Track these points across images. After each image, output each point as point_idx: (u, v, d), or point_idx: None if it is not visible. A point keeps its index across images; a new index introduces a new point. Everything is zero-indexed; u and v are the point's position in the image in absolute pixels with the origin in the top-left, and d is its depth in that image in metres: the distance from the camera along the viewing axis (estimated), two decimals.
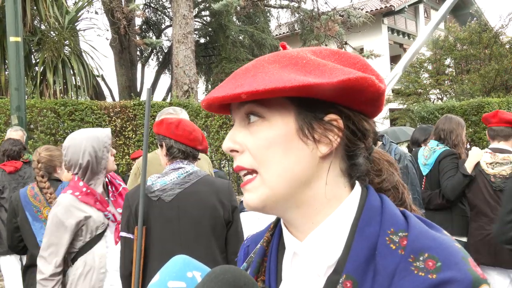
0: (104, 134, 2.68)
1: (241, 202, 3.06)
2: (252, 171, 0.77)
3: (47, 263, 2.53)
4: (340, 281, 0.71)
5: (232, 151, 0.79)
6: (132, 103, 8.94)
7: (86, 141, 2.63)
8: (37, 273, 2.54)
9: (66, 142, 2.68)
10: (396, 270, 0.68)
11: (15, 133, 5.28)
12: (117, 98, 15.75)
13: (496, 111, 3.67)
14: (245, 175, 0.78)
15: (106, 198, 2.75)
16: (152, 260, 2.36)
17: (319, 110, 0.75)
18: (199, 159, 2.57)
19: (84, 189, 2.61)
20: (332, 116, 0.75)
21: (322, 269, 0.75)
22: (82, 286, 2.52)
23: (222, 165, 9.46)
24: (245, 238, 3.14)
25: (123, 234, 2.42)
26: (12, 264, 4.95)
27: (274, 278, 0.82)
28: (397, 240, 0.71)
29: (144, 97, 15.72)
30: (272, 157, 0.75)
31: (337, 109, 0.75)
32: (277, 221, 0.90)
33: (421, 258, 0.68)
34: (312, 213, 0.77)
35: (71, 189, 2.60)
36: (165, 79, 38.92)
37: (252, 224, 2.94)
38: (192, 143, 2.45)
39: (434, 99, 18.01)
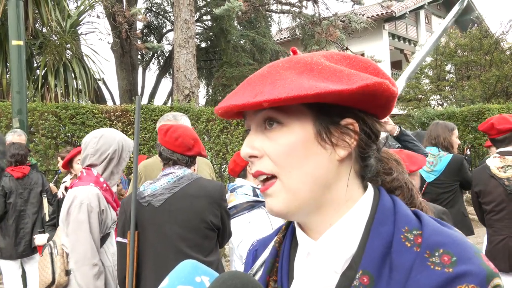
0: (130, 141, 2.83)
1: (229, 208, 3.08)
2: (272, 176, 0.78)
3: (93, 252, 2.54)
4: (357, 277, 0.73)
5: (251, 157, 0.79)
6: (133, 107, 8.95)
7: (119, 137, 2.76)
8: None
9: (97, 132, 2.78)
10: (412, 266, 0.71)
11: (18, 137, 5.29)
12: (118, 101, 15.77)
13: (491, 123, 3.65)
14: (264, 180, 0.79)
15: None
16: (145, 264, 2.41)
17: (335, 114, 0.77)
18: (193, 164, 2.58)
19: (104, 185, 2.67)
20: (348, 120, 0.77)
21: (339, 265, 0.76)
22: (100, 283, 2.54)
23: (222, 170, 9.45)
24: (237, 242, 3.19)
25: (119, 239, 2.48)
26: (12, 269, 4.95)
27: (286, 277, 0.84)
28: (412, 238, 0.74)
29: (144, 101, 15.75)
30: (293, 163, 0.76)
31: (352, 113, 0.77)
32: (289, 222, 0.91)
33: (436, 254, 0.71)
34: (330, 214, 0.79)
35: (93, 183, 2.64)
36: (166, 83, 39.05)
37: (243, 228, 2.97)
38: (179, 149, 2.47)
39: (435, 105, 18.01)
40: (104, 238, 2.66)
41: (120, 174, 2.79)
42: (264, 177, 0.79)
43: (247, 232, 2.94)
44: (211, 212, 2.43)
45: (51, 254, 2.62)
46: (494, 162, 3.62)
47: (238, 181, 3.20)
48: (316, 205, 0.78)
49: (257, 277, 0.90)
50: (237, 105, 0.74)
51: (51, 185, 5.62)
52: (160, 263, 2.37)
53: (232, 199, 3.09)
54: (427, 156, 3.87)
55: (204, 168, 3.43)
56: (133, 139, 7.44)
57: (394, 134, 3.60)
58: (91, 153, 2.72)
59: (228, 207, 3.12)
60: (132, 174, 3.47)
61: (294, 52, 0.84)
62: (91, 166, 2.73)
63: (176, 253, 2.36)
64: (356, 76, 0.73)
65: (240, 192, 3.09)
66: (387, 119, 3.49)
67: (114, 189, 2.78)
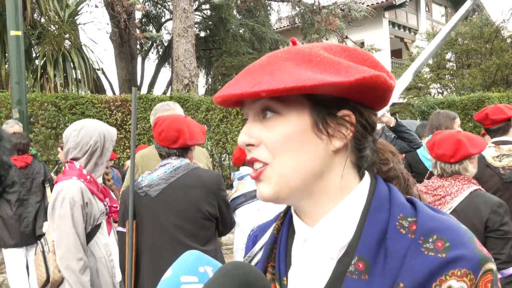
0: (113, 130, 2.78)
1: (237, 197, 3.12)
2: (265, 164, 0.79)
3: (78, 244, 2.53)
4: (353, 262, 0.75)
5: (248, 145, 0.80)
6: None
7: (100, 128, 2.71)
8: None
9: (77, 124, 2.71)
10: (407, 252, 0.72)
11: (11, 128, 5.27)
12: (117, 91, 15.74)
13: (486, 113, 3.65)
14: (257, 167, 0.80)
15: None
16: (143, 253, 2.45)
17: (332, 106, 0.78)
18: (187, 155, 2.58)
19: (88, 177, 2.65)
20: (345, 112, 0.78)
21: (335, 251, 0.78)
22: (86, 278, 2.54)
23: (222, 159, 9.47)
24: (247, 230, 3.20)
25: (118, 229, 2.52)
26: (17, 258, 4.97)
27: (284, 263, 0.86)
28: (406, 225, 0.75)
29: (144, 91, 15.72)
30: (288, 152, 0.77)
31: (349, 105, 0.78)
32: (287, 209, 0.93)
33: (430, 240, 0.73)
34: (324, 201, 0.81)
35: (76, 176, 2.61)
36: (166, 73, 38.92)
37: (253, 215, 3.00)
38: (164, 143, 2.48)
39: (435, 93, 17.99)
40: (94, 230, 2.65)
41: (105, 165, 2.76)
42: (259, 165, 0.80)
43: (257, 219, 2.97)
44: (207, 202, 2.45)
45: (43, 252, 2.61)
46: (489, 151, 3.63)
47: (243, 169, 3.22)
48: (308, 192, 0.80)
49: (255, 260, 0.92)
50: (235, 94, 0.75)
51: (53, 174, 5.63)
52: (156, 252, 2.41)
53: (241, 187, 3.13)
54: (421, 146, 3.88)
55: (201, 157, 3.43)
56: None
57: (391, 125, 3.63)
58: (73, 147, 2.67)
59: (236, 195, 3.16)
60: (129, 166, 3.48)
61: (294, 43, 0.84)
62: (73, 159, 2.69)
63: (172, 243, 2.39)
64: (354, 69, 0.74)
65: (248, 180, 3.12)
66: (386, 111, 3.52)
67: (100, 180, 2.76)
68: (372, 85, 0.74)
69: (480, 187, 2.56)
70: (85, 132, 2.66)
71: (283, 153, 0.77)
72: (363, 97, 0.78)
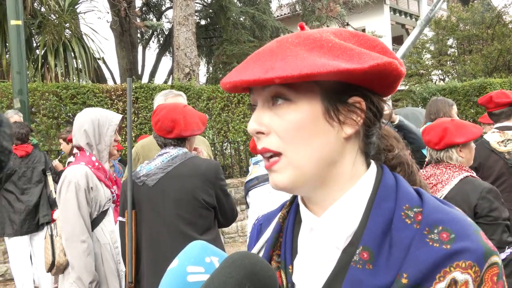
0: (114, 115, 2.82)
1: (251, 179, 3.22)
2: (278, 154, 0.78)
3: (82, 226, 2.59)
4: (357, 252, 0.74)
5: (258, 133, 0.79)
6: (133, 86, 8.91)
7: (94, 115, 2.77)
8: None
9: (79, 113, 2.83)
10: (411, 242, 0.72)
11: (11, 119, 5.28)
12: (118, 80, 15.72)
13: (490, 96, 3.67)
14: (270, 157, 0.79)
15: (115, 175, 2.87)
16: (143, 241, 2.47)
17: (343, 92, 0.77)
18: (184, 144, 2.58)
19: (97, 163, 2.70)
20: (356, 99, 0.77)
21: (341, 241, 0.78)
22: (90, 260, 2.57)
23: (224, 148, 9.47)
24: (258, 213, 3.23)
25: (119, 218, 2.55)
26: (20, 247, 5.00)
27: (290, 252, 0.86)
28: (412, 215, 0.75)
29: (145, 80, 15.68)
30: (300, 139, 0.76)
31: (360, 92, 0.78)
32: (293, 198, 0.93)
33: (435, 231, 0.72)
34: (335, 190, 0.80)
35: (84, 162, 2.68)
36: (166, 62, 38.69)
37: (265, 197, 3.08)
38: (160, 132, 2.49)
39: (436, 80, 17.93)
40: (101, 216, 2.70)
41: (108, 150, 2.79)
42: (270, 154, 0.79)
43: (268, 201, 3.05)
44: (203, 190, 2.45)
45: (51, 235, 2.68)
46: (493, 137, 3.63)
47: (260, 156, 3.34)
48: (321, 181, 0.79)
49: (261, 253, 0.91)
50: (248, 81, 0.73)
51: (57, 162, 5.63)
52: (155, 241, 2.43)
53: (255, 171, 3.24)
54: (424, 148, 3.84)
55: (201, 146, 3.45)
56: (133, 119, 7.37)
57: (395, 123, 3.59)
58: (73, 134, 2.80)
59: (250, 178, 3.30)
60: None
61: (302, 28, 0.83)
62: (78, 147, 2.78)
63: (171, 231, 2.41)
64: (366, 55, 0.73)
65: (262, 164, 3.24)
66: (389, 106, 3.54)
67: (107, 166, 2.80)
68: (385, 71, 0.74)
69: (472, 173, 2.56)
70: (79, 120, 2.75)
71: (295, 141, 0.76)
72: (374, 83, 0.78)
